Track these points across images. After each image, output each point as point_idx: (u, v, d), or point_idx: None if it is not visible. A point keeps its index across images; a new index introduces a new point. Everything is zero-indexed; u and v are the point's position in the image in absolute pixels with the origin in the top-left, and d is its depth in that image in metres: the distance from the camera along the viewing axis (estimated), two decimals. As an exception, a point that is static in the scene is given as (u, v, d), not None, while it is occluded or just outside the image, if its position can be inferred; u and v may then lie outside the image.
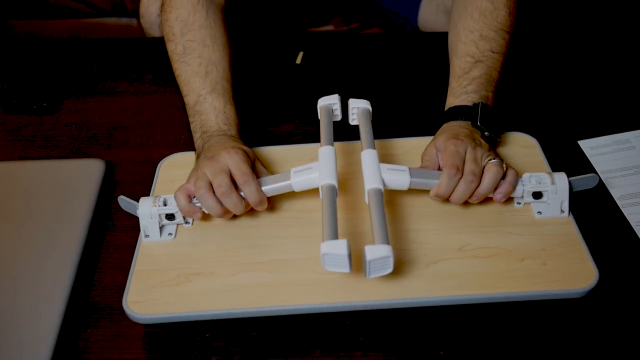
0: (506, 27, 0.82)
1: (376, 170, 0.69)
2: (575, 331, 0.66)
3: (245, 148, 0.76)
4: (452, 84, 0.81)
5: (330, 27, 1.22)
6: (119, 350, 0.66)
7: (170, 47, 0.85)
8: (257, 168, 0.76)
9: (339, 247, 0.60)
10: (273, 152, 0.85)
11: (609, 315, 0.67)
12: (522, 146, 0.83)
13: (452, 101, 0.80)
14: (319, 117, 0.79)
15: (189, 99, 0.82)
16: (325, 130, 0.76)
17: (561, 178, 0.72)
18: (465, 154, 0.71)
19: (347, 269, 0.60)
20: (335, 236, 0.62)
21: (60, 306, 0.68)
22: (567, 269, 0.67)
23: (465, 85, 0.79)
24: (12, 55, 1.06)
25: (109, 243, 0.76)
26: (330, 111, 0.80)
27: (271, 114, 0.92)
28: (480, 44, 0.81)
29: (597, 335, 0.65)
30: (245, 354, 0.66)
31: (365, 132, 0.76)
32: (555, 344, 0.65)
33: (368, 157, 0.71)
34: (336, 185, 0.68)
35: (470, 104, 0.78)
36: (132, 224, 0.74)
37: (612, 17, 1.21)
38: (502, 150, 0.83)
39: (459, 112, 0.78)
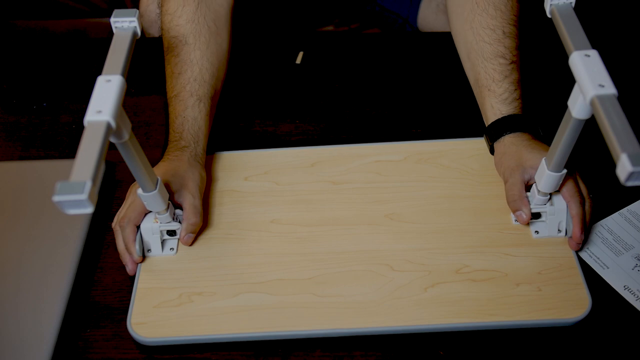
0: (517, 16, 0.80)
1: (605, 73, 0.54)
2: (577, 331, 0.66)
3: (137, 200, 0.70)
4: (493, 87, 0.77)
5: (330, 27, 1.22)
6: (119, 350, 0.66)
7: (163, 42, 0.83)
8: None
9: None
10: (273, 155, 0.84)
11: (612, 314, 0.67)
12: None
13: (503, 108, 0.76)
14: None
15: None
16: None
17: (559, 199, 0.71)
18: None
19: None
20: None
21: (61, 306, 0.68)
22: (561, 296, 0.67)
23: (512, 91, 0.77)
24: (12, 55, 1.06)
25: (109, 243, 0.76)
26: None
27: (271, 114, 0.92)
28: (506, 43, 0.78)
29: (602, 339, 0.66)
30: (245, 353, 0.66)
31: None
32: (556, 344, 0.65)
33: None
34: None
35: (520, 111, 0.76)
36: (132, 224, 0.74)
37: (614, 18, 1.21)
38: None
39: (516, 123, 0.75)
